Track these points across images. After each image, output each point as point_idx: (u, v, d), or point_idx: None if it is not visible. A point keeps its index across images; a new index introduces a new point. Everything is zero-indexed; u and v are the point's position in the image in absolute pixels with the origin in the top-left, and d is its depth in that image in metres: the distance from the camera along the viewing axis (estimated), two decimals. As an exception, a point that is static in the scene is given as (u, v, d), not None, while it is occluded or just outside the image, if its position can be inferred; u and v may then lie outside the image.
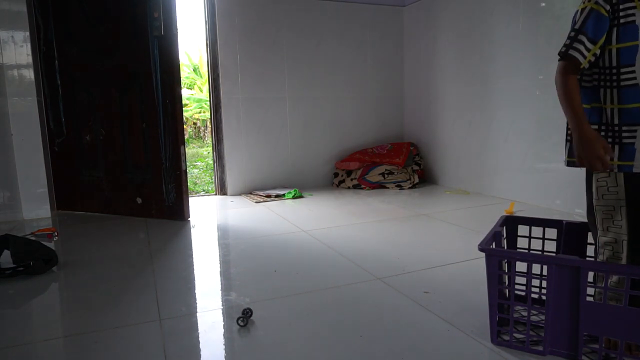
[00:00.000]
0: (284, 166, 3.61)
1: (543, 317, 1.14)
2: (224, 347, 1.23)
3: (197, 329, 1.33)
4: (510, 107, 2.90)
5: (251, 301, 1.49)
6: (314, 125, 3.66)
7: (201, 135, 9.59)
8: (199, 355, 1.19)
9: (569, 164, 1.18)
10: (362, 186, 3.56)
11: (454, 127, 3.43)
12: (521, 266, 1.17)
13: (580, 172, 1.18)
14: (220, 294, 1.58)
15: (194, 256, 2.04)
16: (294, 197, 3.23)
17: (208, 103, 4.49)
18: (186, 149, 2.75)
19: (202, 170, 5.80)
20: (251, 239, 2.24)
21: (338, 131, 3.76)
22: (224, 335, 1.29)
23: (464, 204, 2.93)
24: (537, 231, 1.38)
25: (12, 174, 2.65)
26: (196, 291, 1.61)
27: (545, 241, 1.35)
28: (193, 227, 2.53)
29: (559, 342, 1.10)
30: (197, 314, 1.42)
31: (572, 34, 1.09)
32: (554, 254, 1.26)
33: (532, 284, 1.13)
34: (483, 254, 1.16)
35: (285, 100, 3.54)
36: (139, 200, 2.75)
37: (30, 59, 2.66)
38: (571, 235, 1.34)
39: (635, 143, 1.06)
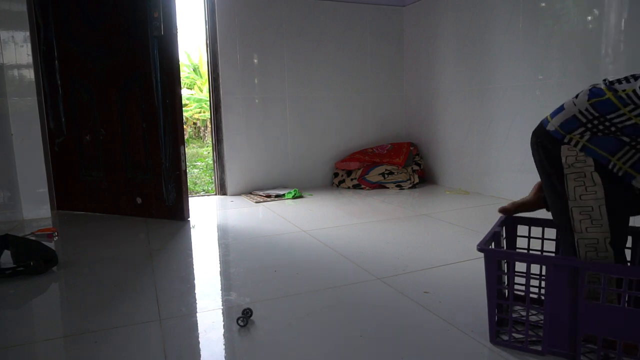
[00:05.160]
0: (284, 166, 3.61)
1: (542, 317, 1.15)
2: (224, 347, 1.23)
3: (197, 329, 1.33)
4: (510, 107, 2.90)
5: (251, 301, 1.49)
6: (314, 125, 3.67)
7: (201, 135, 9.60)
8: (199, 355, 1.20)
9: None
10: (362, 186, 3.56)
11: (454, 127, 3.44)
12: (520, 266, 1.18)
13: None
14: (220, 294, 1.58)
15: (194, 256, 2.04)
16: (294, 197, 3.24)
17: (208, 103, 4.49)
18: (186, 149, 2.75)
19: (202, 170, 5.80)
20: (251, 239, 2.25)
21: (338, 131, 3.76)
22: (224, 335, 1.29)
23: (464, 204, 2.93)
24: (536, 231, 1.38)
25: (12, 174, 2.65)
26: (196, 291, 1.62)
27: (545, 241, 1.36)
28: (193, 227, 2.53)
29: (558, 342, 1.10)
30: (197, 314, 1.42)
31: None
32: (553, 254, 1.26)
33: (531, 284, 1.13)
34: (483, 254, 1.16)
35: (285, 100, 3.54)
36: (139, 200, 2.76)
37: (30, 59, 2.66)
38: (570, 235, 1.34)
39: None
